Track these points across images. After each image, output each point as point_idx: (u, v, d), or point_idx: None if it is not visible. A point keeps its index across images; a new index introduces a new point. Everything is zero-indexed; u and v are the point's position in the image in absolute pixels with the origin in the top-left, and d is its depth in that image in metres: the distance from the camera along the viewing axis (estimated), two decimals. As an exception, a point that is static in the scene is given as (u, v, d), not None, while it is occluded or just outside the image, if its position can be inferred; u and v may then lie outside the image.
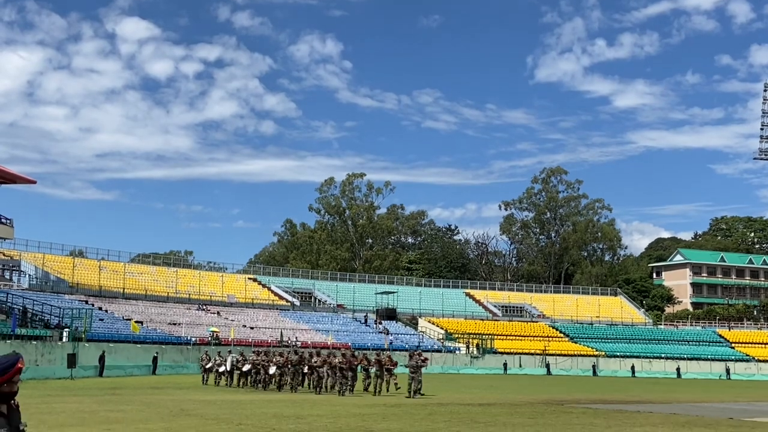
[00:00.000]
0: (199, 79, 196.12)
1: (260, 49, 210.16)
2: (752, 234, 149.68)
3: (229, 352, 42.21)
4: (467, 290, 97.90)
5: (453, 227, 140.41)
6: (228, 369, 36.65)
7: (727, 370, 76.35)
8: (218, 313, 72.52)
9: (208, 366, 39.47)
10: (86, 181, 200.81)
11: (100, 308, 62.06)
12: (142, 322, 60.18)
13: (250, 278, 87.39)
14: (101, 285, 69.54)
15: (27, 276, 64.86)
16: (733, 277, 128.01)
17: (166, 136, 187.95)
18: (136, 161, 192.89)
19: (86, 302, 61.30)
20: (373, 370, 31.06)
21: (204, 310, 72.26)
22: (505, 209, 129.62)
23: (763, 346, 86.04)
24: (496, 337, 79.85)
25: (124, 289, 70.90)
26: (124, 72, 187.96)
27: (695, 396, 35.25)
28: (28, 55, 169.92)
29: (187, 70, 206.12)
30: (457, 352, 75.40)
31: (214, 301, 76.14)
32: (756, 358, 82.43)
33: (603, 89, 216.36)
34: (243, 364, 35.69)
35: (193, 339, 60.86)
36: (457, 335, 79.81)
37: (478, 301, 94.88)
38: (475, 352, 75.35)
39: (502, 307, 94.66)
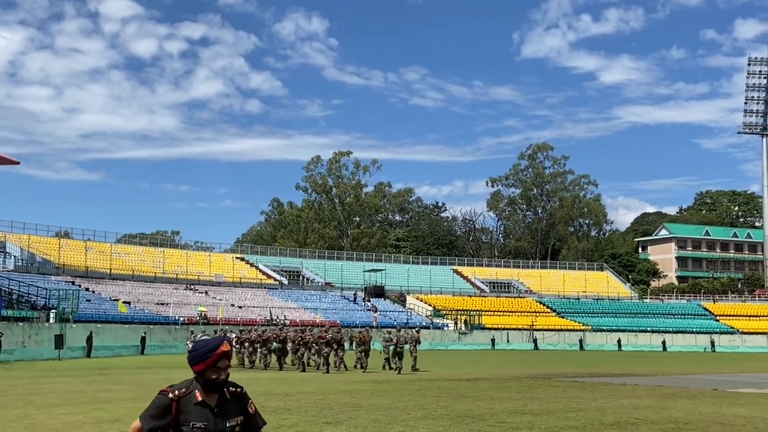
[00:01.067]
0: (183, 57, 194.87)
1: (245, 27, 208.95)
2: (736, 208, 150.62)
3: (222, 331, 42.18)
4: (455, 267, 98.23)
5: (440, 204, 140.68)
6: None
7: (712, 343, 77.11)
8: (206, 292, 72.49)
9: None
10: (71, 161, 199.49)
11: (87, 289, 61.92)
12: (129, 303, 60.10)
13: (237, 257, 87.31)
14: (88, 266, 69.34)
15: (12, 258, 64.52)
16: (718, 250, 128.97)
17: (151, 115, 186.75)
18: (122, 141, 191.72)
19: (73, 283, 61.12)
20: (346, 345, 32.09)
21: (192, 289, 72.22)
22: (492, 186, 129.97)
23: (748, 318, 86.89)
24: (483, 313, 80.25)
25: (110, 269, 70.73)
26: (108, 51, 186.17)
27: (680, 368, 35.61)
28: (10, 35, 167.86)
29: (171, 49, 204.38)
30: (445, 328, 75.78)
31: (202, 280, 76.07)
32: (740, 330, 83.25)
33: (589, 65, 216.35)
34: None
35: (182, 319, 60.86)
36: (445, 312, 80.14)
37: (465, 278, 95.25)
38: (463, 329, 75.73)
39: (490, 283, 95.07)
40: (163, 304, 64.32)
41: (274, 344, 31.51)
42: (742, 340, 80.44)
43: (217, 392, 4.68)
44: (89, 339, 46.33)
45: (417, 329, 34.97)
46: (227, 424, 4.64)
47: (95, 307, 57.39)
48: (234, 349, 34.04)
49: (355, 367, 31.26)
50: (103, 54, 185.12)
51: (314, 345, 30.58)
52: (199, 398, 4.58)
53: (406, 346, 30.64)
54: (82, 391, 19.25)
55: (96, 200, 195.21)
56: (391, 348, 30.63)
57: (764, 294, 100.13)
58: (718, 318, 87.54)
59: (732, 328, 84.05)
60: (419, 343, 31.98)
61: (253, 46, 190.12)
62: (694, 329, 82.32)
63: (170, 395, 4.58)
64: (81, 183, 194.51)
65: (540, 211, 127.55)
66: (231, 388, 4.74)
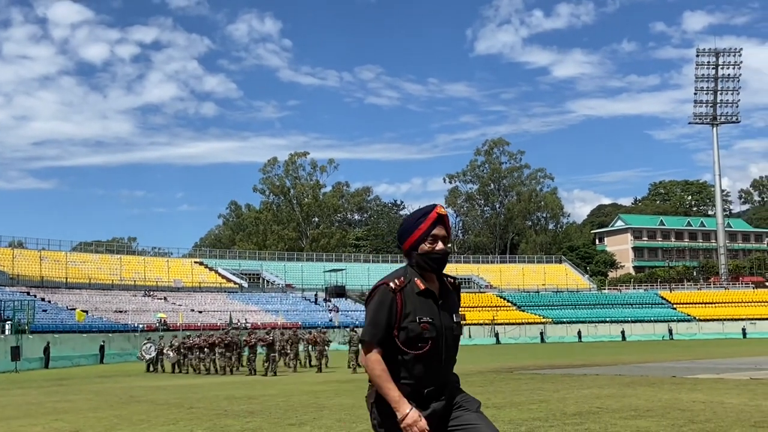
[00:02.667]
0: (135, 62, 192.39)
1: (198, 29, 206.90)
2: (689, 197, 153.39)
3: (160, 338, 41.67)
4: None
5: (399, 202, 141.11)
6: (154, 356, 36.32)
7: (670, 331, 78.40)
8: (165, 298, 71.76)
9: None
10: (23, 170, 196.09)
11: (43, 299, 60.91)
12: (87, 311, 59.25)
13: (196, 262, 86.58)
14: (43, 275, 68.20)
15: (-35, 270, 63.26)
16: (673, 239, 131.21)
17: (104, 121, 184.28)
18: (74, 148, 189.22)
19: (28, 293, 60.08)
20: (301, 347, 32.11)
21: (150, 296, 71.46)
22: (450, 182, 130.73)
23: (704, 306, 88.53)
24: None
25: (66, 278, 69.63)
26: (58, 57, 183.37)
27: (640, 357, 36.13)
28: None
29: (123, 54, 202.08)
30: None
31: (161, 286, 75.29)
32: (697, 317, 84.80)
33: (542, 60, 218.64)
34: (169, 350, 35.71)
35: (141, 326, 60.20)
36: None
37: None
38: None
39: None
40: (121, 311, 63.53)
41: (217, 349, 31.34)
42: (698, 327, 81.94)
43: (436, 276, 3.99)
44: (46, 350, 45.59)
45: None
46: (453, 319, 3.97)
47: (52, 317, 56.48)
48: (180, 356, 33.96)
49: (318, 370, 31.19)
50: (53, 60, 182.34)
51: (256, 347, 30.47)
52: (421, 286, 3.87)
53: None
54: (41, 403, 18.91)
55: (50, 209, 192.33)
56: (346, 348, 31.03)
57: (719, 281, 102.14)
58: (674, 306, 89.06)
59: (689, 315, 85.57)
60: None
61: (206, 49, 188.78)
62: (652, 318, 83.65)
63: (391, 285, 3.84)
64: (34, 191, 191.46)
65: (498, 206, 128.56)
66: (449, 279, 4.09)
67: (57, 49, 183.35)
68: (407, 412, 3.71)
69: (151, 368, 36.35)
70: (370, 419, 4.01)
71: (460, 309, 4.05)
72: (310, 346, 34.30)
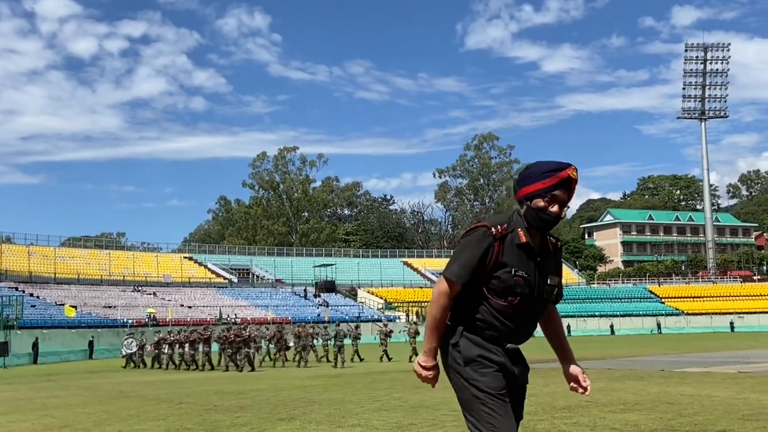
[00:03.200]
0: (124, 56, 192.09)
1: (187, 24, 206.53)
2: (678, 191, 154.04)
3: (141, 333, 41.63)
4: (405, 259, 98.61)
5: (388, 197, 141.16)
6: (134, 350, 36.24)
7: (659, 325, 78.77)
8: (154, 293, 71.59)
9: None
10: (11, 165, 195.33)
11: (32, 294, 60.65)
12: (76, 307, 59.04)
13: (185, 257, 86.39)
14: (31, 271, 67.91)
15: (-48, 265, 62.93)
16: (661, 234, 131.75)
17: (92, 116, 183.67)
18: (63, 143, 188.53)
19: (16, 289, 59.83)
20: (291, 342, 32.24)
21: (140, 291, 71.27)
22: (440, 177, 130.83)
23: (692, 299, 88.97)
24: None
25: (55, 274, 69.36)
26: (46, 52, 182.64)
27: (628, 351, 36.28)
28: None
29: (111, 48, 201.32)
30: (397, 320, 76.03)
31: (150, 281, 75.10)
32: (685, 311, 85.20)
33: (531, 54, 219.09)
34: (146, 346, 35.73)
35: (130, 321, 60.02)
36: (396, 304, 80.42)
37: (416, 270, 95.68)
38: (415, 320, 76.03)
39: (440, 274, 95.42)
40: (110, 307, 63.35)
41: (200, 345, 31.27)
42: (687, 321, 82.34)
43: (540, 235, 3.75)
44: (35, 345, 45.43)
45: (414, 321, 35.48)
46: (548, 282, 3.75)
47: (40, 313, 56.26)
48: (163, 352, 33.82)
49: (298, 365, 31.24)
50: (41, 54, 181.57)
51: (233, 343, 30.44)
52: (523, 239, 3.64)
53: (347, 340, 31.40)
54: (30, 398, 18.84)
55: (38, 204, 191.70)
56: (331, 342, 31.20)
57: (707, 275, 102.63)
58: (663, 300, 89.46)
59: (677, 309, 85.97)
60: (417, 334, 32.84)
61: (195, 43, 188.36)
62: (640, 312, 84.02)
63: (492, 230, 3.62)
64: (22, 186, 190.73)
65: (487, 200, 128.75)
66: (551, 239, 3.85)
67: (45, 43, 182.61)
68: (431, 365, 3.79)
69: (131, 364, 36.08)
70: (443, 359, 3.86)
71: (560, 274, 3.89)
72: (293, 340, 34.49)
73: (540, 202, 3.63)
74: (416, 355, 31.48)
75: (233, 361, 28.90)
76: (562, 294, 3.88)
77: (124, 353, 37.14)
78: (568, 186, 3.69)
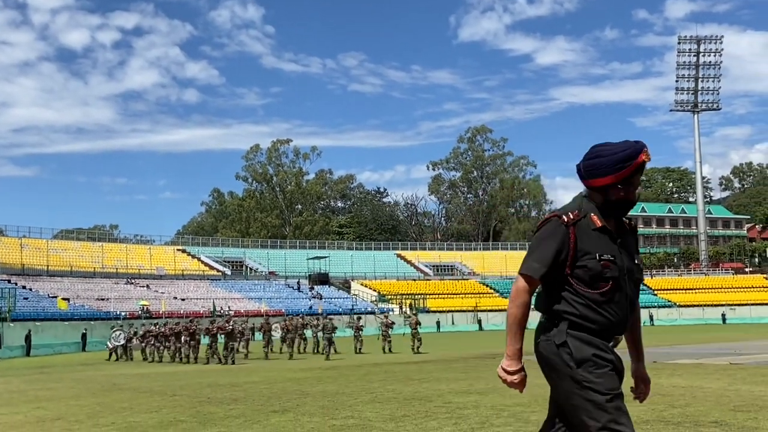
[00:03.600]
0: (117, 48, 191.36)
1: (179, 15, 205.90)
2: (670, 184, 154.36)
3: (126, 326, 41.40)
4: (398, 252, 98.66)
5: (382, 190, 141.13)
6: (122, 343, 36.14)
7: (651, 317, 78.99)
8: (148, 286, 71.50)
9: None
10: (3, 157, 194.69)
11: (24, 287, 60.52)
12: (69, 299, 58.93)
13: (179, 249, 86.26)
14: (24, 263, 67.74)
15: (-56, 258, 62.73)
16: (654, 226, 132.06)
17: (85, 108, 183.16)
18: (55, 135, 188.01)
19: (8, 281, 59.67)
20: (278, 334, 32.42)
21: (133, 283, 71.16)
22: (433, 169, 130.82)
23: (684, 291, 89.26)
24: (428, 296, 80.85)
25: (48, 266, 69.20)
26: (38, 43, 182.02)
27: (621, 343, 36.35)
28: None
29: (104, 39, 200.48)
30: (390, 312, 76.07)
31: (143, 274, 74.99)
32: (677, 303, 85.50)
33: (525, 47, 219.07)
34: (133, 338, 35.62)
35: (123, 314, 59.93)
36: (389, 296, 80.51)
37: (409, 262, 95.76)
38: (408, 312, 76.11)
39: (433, 266, 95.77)
40: (103, 299, 63.26)
41: (183, 337, 31.19)
42: (679, 313, 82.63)
43: (614, 219, 3.58)
44: (28, 337, 45.34)
45: (415, 312, 35.69)
46: (634, 261, 3.59)
47: (33, 305, 56.15)
48: (150, 344, 33.74)
49: (290, 357, 31.34)
50: (33, 46, 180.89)
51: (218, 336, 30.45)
52: (598, 223, 3.50)
53: (339, 332, 31.63)
54: (22, 391, 18.82)
55: (30, 196, 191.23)
56: (320, 334, 31.39)
57: (699, 267, 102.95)
58: (655, 292, 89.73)
59: (669, 301, 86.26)
60: (419, 324, 33.23)
61: (188, 35, 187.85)
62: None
63: (563, 218, 3.50)
64: (14, 179, 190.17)
65: (481, 193, 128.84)
66: (625, 219, 3.68)
67: (37, 34, 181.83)
68: (517, 368, 3.67)
69: (118, 356, 35.82)
70: (540, 361, 3.71)
71: (639, 253, 3.72)
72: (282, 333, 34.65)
73: (617, 194, 3.49)
74: (420, 345, 31.75)
75: (216, 354, 28.83)
76: (641, 273, 3.70)
77: (110, 345, 36.97)
78: (642, 170, 3.56)
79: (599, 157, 3.53)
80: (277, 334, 34.74)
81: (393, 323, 34.66)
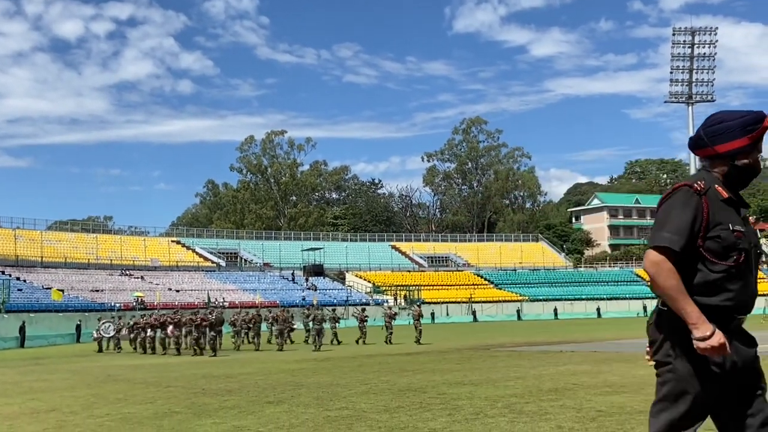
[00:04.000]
0: (111, 38, 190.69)
1: (174, 6, 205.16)
2: (665, 175, 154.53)
3: (116, 317, 41.21)
4: (393, 243, 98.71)
5: (377, 181, 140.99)
6: (113, 334, 36.03)
7: (644, 308, 79.19)
8: (142, 277, 71.44)
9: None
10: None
11: (18, 278, 60.42)
12: (63, 290, 58.85)
13: (173, 241, 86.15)
14: (18, 254, 67.59)
15: (-63, 249, 62.53)
16: (648, 218, 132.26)
17: (79, 98, 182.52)
18: (49, 126, 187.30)
19: (2, 273, 59.58)
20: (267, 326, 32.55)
21: (127, 275, 71.08)
22: (428, 161, 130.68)
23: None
24: (422, 287, 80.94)
25: (42, 257, 69.07)
26: (32, 33, 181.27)
27: (615, 334, 36.49)
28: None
29: (98, 30, 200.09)
30: (384, 304, 76.16)
31: (138, 265, 74.90)
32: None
33: (520, 38, 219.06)
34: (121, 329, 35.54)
35: (118, 305, 59.90)
36: (384, 288, 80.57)
37: (404, 254, 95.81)
38: (402, 304, 76.22)
39: (428, 258, 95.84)
40: (97, 290, 63.20)
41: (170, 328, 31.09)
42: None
43: (735, 191, 3.39)
44: (22, 329, 45.27)
45: (419, 303, 35.96)
46: (756, 234, 3.42)
47: (27, 297, 56.08)
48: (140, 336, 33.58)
49: (280, 348, 31.44)
50: (27, 36, 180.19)
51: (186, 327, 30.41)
52: (724, 194, 3.33)
53: (326, 324, 32.04)
54: (17, 382, 18.81)
55: (24, 187, 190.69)
56: (311, 324, 31.58)
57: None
58: (649, 284, 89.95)
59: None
60: (421, 316, 33.76)
61: (182, 26, 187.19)
62: (627, 295, 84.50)
63: (695, 186, 3.32)
64: (8, 170, 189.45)
65: (475, 184, 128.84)
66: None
67: (30, 25, 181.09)
68: (711, 331, 3.20)
69: (110, 347, 35.58)
70: (657, 352, 3.55)
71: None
72: (271, 324, 34.82)
73: (744, 159, 3.32)
74: (420, 336, 32.01)
75: (197, 344, 28.75)
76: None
77: (96, 336, 36.77)
78: (763, 135, 3.37)
79: (724, 122, 3.38)
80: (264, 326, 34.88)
81: (396, 314, 34.98)
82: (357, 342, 33.17)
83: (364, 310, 35.94)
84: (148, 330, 32.21)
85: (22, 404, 13.65)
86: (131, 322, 34.97)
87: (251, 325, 33.65)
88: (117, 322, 36.92)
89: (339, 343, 33.17)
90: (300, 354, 27.46)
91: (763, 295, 79.06)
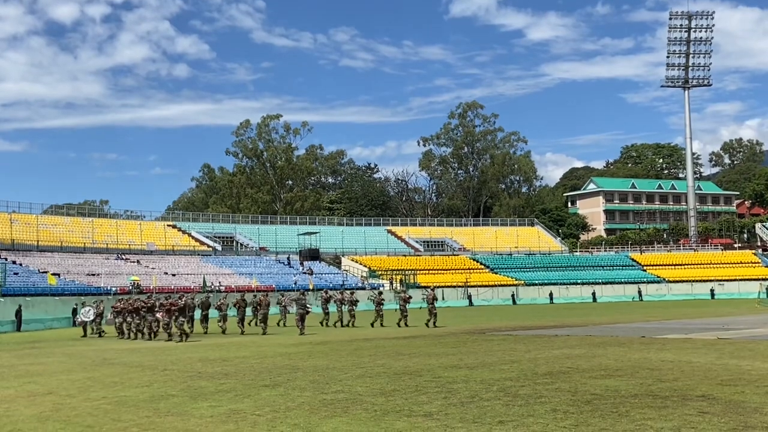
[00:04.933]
0: (106, 22, 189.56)
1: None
2: (661, 160, 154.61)
3: (98, 302, 40.74)
4: (389, 227, 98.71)
5: (372, 165, 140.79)
6: (93, 318, 35.79)
7: (639, 292, 79.45)
8: (138, 261, 71.39)
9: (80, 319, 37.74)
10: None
11: (14, 262, 60.32)
12: (59, 275, 58.80)
13: (169, 225, 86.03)
14: (13, 238, 67.46)
15: (-67, 233, 62.35)
16: (644, 202, 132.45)
17: (74, 82, 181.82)
18: (45, 110, 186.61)
19: (-2, 257, 59.48)
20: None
21: (123, 259, 71.03)
22: (424, 145, 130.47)
23: (673, 267, 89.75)
24: (418, 271, 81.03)
25: (38, 241, 68.96)
26: (27, 17, 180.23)
27: (610, 318, 36.64)
28: None
29: (93, 13, 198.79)
30: (380, 288, 76.31)
31: (134, 249, 74.84)
32: (666, 279, 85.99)
33: (516, 22, 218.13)
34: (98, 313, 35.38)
35: (114, 289, 59.89)
36: (380, 272, 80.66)
37: (399, 238, 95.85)
38: (398, 288, 76.32)
39: (424, 242, 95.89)
40: (93, 275, 63.15)
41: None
42: (668, 289, 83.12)
43: None
44: (18, 312, 45.24)
45: (432, 289, 36.06)
46: None
47: (23, 280, 56.03)
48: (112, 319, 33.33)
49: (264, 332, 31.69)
50: (22, 20, 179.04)
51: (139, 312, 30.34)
52: None
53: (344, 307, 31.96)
54: (13, 366, 18.84)
55: (20, 171, 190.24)
56: (294, 310, 31.94)
57: (689, 243, 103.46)
58: (645, 268, 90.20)
59: (658, 277, 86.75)
60: (436, 299, 33.61)
61: (178, 9, 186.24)
62: (622, 280, 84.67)
63: None
64: (3, 154, 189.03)
65: (471, 169, 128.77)
66: None
67: (26, 8, 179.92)
68: None
69: (89, 332, 35.32)
70: None
71: None
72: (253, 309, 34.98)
73: None
74: (435, 320, 32.15)
75: (166, 329, 28.63)
76: None
77: (79, 321, 36.54)
78: None
79: None
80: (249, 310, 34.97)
81: (410, 297, 35.28)
82: (379, 324, 33.41)
83: (381, 293, 36.27)
84: (126, 315, 31.83)
85: (19, 387, 13.68)
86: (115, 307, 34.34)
87: (237, 309, 33.82)
88: (97, 306, 36.37)
89: (381, 324, 33.37)
90: (297, 338, 27.53)
91: (757, 279, 79.68)
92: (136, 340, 29.63)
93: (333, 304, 36.87)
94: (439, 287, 79.45)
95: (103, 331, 34.97)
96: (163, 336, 28.72)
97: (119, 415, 10.00)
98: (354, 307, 35.62)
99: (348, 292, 38.11)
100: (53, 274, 56.37)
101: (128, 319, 31.55)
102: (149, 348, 24.40)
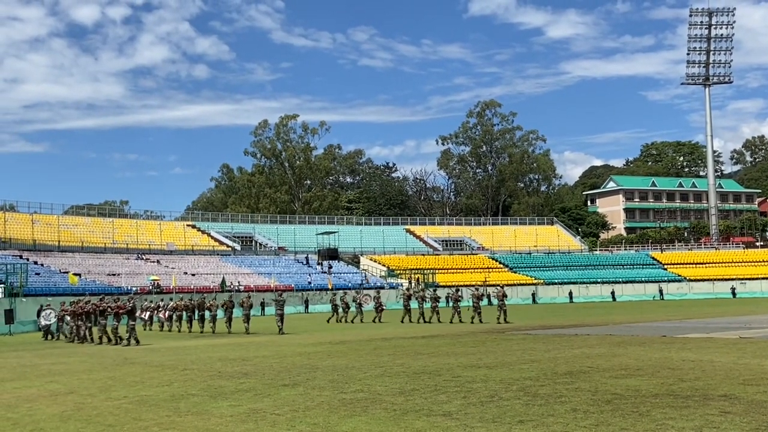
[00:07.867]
0: (127, 23, 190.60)
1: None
2: (681, 158, 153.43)
3: (62, 303, 39.74)
4: (407, 227, 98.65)
5: (391, 165, 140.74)
6: (53, 322, 35.30)
7: (660, 291, 78.92)
8: (158, 261, 71.78)
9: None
10: (14, 133, 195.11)
11: (36, 262, 60.85)
12: (80, 275, 59.22)
13: (188, 225, 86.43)
14: (35, 239, 68.05)
15: (-44, 234, 63.00)
16: (664, 200, 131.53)
17: (95, 84, 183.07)
18: (66, 111, 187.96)
19: (20, 257, 60.03)
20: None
21: (143, 259, 71.44)
22: (443, 144, 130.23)
23: (694, 266, 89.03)
24: (437, 271, 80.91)
25: (59, 242, 69.51)
26: (48, 19, 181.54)
27: (630, 317, 36.42)
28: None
29: (114, 15, 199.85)
30: (399, 287, 76.24)
31: (153, 249, 75.26)
32: (687, 278, 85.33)
33: (536, 20, 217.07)
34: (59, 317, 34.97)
35: (134, 288, 60.26)
36: (399, 271, 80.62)
37: (418, 237, 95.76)
38: (416, 287, 76.24)
39: (442, 241, 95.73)
40: (114, 274, 63.59)
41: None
42: (689, 288, 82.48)
43: None
44: (40, 313, 45.60)
45: (502, 286, 37.41)
46: None
47: (45, 281, 56.49)
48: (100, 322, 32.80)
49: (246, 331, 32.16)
50: (43, 22, 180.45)
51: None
52: None
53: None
54: (35, 365, 19.01)
55: (41, 172, 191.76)
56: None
57: (710, 241, 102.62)
58: (665, 267, 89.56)
59: (679, 276, 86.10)
60: (505, 296, 35.87)
61: (198, 10, 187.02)
62: (642, 279, 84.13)
63: None
64: (25, 155, 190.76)
65: (490, 168, 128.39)
66: None
67: (47, 10, 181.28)
68: None
69: (49, 336, 34.69)
70: None
71: None
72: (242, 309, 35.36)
73: None
74: (503, 316, 33.79)
75: (109, 333, 28.38)
76: None
77: (42, 324, 35.99)
78: None
79: None
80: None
81: (483, 295, 36.34)
82: (458, 320, 35.35)
83: (435, 290, 37.56)
84: (85, 317, 31.08)
85: (41, 387, 13.79)
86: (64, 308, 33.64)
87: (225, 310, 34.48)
88: (58, 309, 35.52)
89: (458, 321, 35.02)
90: (316, 338, 27.58)
91: (765, 278, 79.02)
92: (83, 345, 28.80)
93: (414, 300, 38.90)
94: (458, 286, 79.21)
95: (64, 335, 33.64)
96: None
97: (140, 415, 10.06)
98: (437, 303, 37.47)
99: (431, 289, 40.04)
100: (74, 274, 56.76)
101: (78, 322, 30.69)
102: (169, 348, 24.52)
